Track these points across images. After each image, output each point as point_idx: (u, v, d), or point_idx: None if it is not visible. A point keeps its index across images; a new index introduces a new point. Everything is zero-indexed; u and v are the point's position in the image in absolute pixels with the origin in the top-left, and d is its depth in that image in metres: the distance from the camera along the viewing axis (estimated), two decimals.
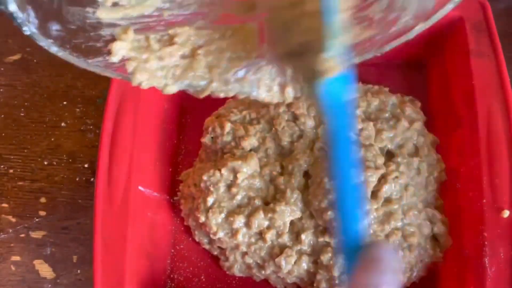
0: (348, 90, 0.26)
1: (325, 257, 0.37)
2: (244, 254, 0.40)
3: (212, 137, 0.43)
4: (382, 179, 0.38)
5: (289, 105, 0.41)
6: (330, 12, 0.25)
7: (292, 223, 0.38)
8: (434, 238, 0.39)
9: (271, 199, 0.39)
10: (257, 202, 0.39)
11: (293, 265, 0.38)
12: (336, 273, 0.36)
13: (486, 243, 0.35)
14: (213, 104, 0.45)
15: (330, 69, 0.25)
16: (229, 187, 0.39)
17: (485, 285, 0.35)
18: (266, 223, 0.38)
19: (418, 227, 0.38)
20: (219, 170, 0.39)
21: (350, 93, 0.27)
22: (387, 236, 0.37)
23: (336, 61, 0.25)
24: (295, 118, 0.41)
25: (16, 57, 0.53)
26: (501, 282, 0.35)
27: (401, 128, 0.41)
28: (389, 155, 0.40)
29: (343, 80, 0.26)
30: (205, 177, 0.39)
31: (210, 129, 0.43)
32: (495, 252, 0.35)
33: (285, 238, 0.38)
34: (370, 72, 0.49)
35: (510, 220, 0.36)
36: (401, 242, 0.37)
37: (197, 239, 0.43)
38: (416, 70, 0.50)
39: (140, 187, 0.39)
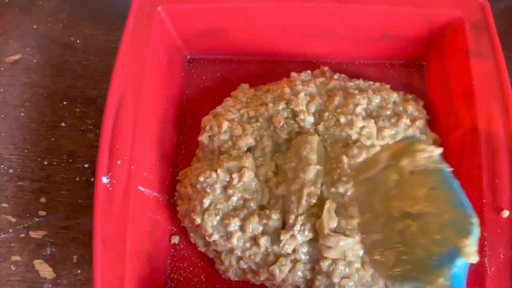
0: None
1: (325, 264, 0.36)
2: (239, 258, 0.39)
3: (209, 136, 0.42)
4: None
5: (288, 102, 0.41)
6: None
7: None
8: None
9: (266, 203, 0.39)
10: (253, 205, 0.38)
11: (287, 273, 0.37)
12: (336, 279, 0.36)
13: (486, 243, 0.35)
14: (213, 104, 0.45)
15: (471, 254, 0.29)
16: (225, 188, 0.39)
17: (485, 285, 0.35)
18: (260, 228, 0.38)
19: None
20: (215, 171, 0.39)
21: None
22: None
23: (475, 248, 0.29)
24: (294, 115, 0.41)
25: (16, 57, 0.53)
26: (501, 282, 0.35)
27: (402, 126, 0.40)
28: None
29: (465, 269, 0.30)
30: (201, 178, 0.39)
31: (207, 127, 0.42)
32: (495, 252, 0.35)
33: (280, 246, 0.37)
34: (370, 72, 0.50)
35: (510, 220, 0.36)
36: None
37: (193, 241, 0.42)
38: (416, 70, 0.50)
39: (139, 187, 0.39)
